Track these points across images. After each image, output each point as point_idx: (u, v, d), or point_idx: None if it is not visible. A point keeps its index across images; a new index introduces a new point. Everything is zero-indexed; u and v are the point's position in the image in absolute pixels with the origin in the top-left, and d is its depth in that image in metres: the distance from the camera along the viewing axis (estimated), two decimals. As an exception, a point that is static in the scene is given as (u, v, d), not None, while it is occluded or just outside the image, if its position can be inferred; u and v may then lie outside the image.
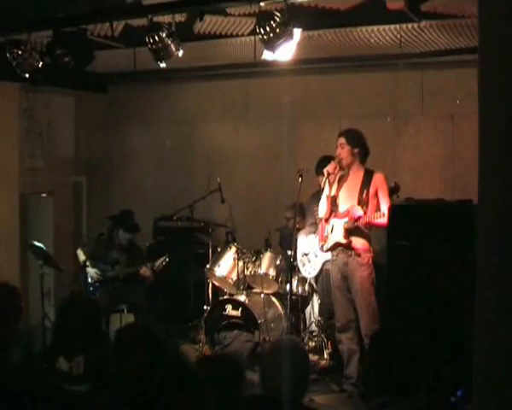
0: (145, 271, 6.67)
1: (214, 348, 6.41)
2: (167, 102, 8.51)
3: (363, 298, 5.42)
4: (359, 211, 5.43)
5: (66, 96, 8.82)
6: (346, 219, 5.49)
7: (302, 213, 6.71)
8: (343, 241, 5.49)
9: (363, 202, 5.46)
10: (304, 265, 6.50)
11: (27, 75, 5.84)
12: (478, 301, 2.31)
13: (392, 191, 5.67)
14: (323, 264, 6.32)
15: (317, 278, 6.51)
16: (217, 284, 6.89)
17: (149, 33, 5.19)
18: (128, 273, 6.77)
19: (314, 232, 6.45)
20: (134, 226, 6.92)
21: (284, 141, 7.69)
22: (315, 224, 6.48)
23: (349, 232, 5.48)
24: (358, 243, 5.48)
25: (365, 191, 5.48)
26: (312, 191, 6.55)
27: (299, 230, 6.54)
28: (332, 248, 5.63)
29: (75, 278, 7.18)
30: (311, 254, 6.45)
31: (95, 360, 3.11)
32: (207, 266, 6.79)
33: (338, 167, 5.59)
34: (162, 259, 6.73)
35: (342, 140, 5.58)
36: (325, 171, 5.59)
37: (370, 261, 5.48)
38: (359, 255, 5.45)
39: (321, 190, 5.80)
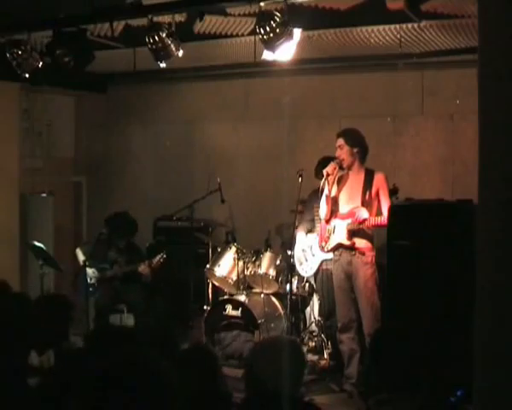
0: (143, 268, 6.68)
1: (214, 348, 6.41)
2: (167, 102, 8.51)
3: (366, 297, 5.41)
4: (365, 213, 5.40)
5: (66, 96, 8.82)
6: (349, 221, 5.47)
7: (304, 210, 6.69)
8: (346, 242, 5.46)
9: (366, 203, 5.45)
10: (301, 264, 6.49)
11: (27, 75, 5.84)
12: (478, 300, 2.31)
13: (392, 193, 5.67)
14: (321, 263, 6.32)
15: (315, 277, 6.51)
16: (217, 284, 6.89)
17: (149, 33, 5.20)
18: (127, 272, 6.78)
19: (312, 230, 6.45)
20: (127, 230, 6.91)
21: (284, 141, 7.68)
22: (312, 221, 6.48)
23: (352, 233, 5.47)
24: (362, 242, 5.46)
25: (368, 192, 5.46)
26: (313, 189, 6.53)
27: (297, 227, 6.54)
28: (334, 249, 5.62)
29: (75, 278, 7.18)
30: (309, 253, 6.44)
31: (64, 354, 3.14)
32: (207, 266, 6.79)
33: (337, 168, 5.57)
34: (160, 256, 6.74)
35: (341, 141, 5.56)
36: (324, 172, 5.57)
37: (374, 260, 5.47)
38: (363, 254, 5.44)
39: (320, 192, 5.78)
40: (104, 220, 7.07)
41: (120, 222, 6.92)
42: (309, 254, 6.44)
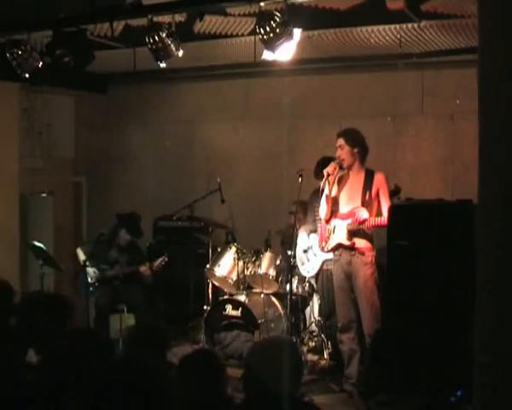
0: (145, 269, 6.69)
1: (214, 348, 6.41)
2: (167, 102, 8.51)
3: (366, 297, 5.41)
4: (365, 214, 5.39)
5: (66, 96, 8.82)
6: (350, 221, 5.47)
7: (304, 211, 6.69)
8: (346, 242, 5.46)
9: (366, 204, 5.44)
10: (303, 264, 6.49)
11: (27, 75, 5.84)
12: (478, 300, 2.31)
13: (393, 193, 5.67)
14: (323, 264, 6.32)
15: (316, 277, 6.51)
16: (217, 284, 6.89)
17: (149, 33, 5.20)
18: (127, 273, 6.79)
19: (315, 231, 6.45)
20: (137, 230, 6.94)
21: (284, 141, 7.68)
22: (314, 221, 6.48)
23: (352, 233, 5.46)
24: (361, 242, 5.46)
25: (368, 193, 5.46)
26: (313, 189, 6.52)
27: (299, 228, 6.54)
28: (334, 249, 5.61)
29: (75, 278, 7.18)
30: (311, 253, 6.45)
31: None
32: (207, 266, 6.79)
33: (338, 168, 5.57)
34: (161, 258, 6.75)
35: (341, 141, 5.56)
36: (325, 172, 5.57)
37: (373, 260, 5.46)
38: (363, 254, 5.44)
39: (320, 192, 5.77)
40: (116, 215, 7.08)
41: (132, 221, 6.94)
42: (311, 254, 6.44)
